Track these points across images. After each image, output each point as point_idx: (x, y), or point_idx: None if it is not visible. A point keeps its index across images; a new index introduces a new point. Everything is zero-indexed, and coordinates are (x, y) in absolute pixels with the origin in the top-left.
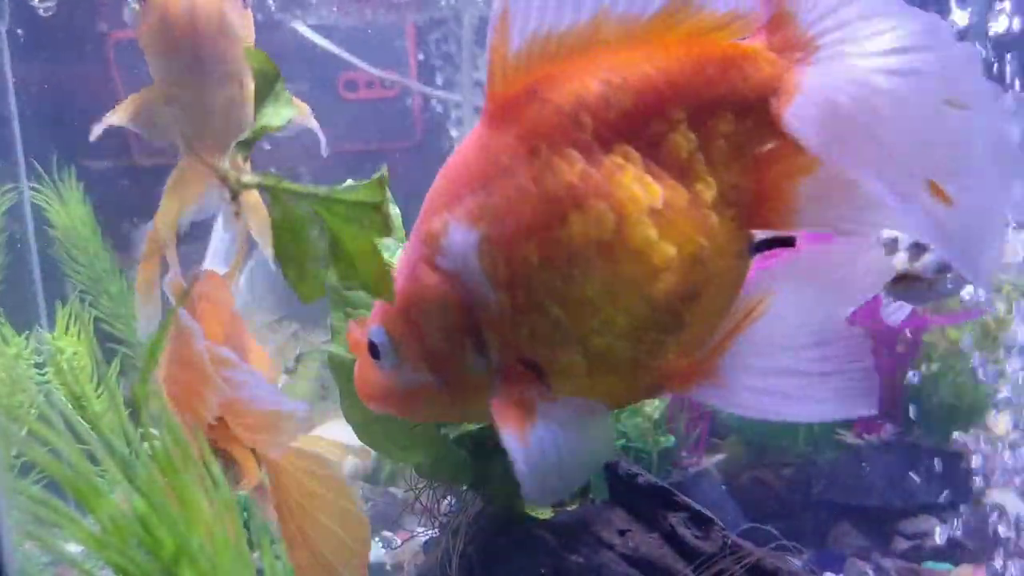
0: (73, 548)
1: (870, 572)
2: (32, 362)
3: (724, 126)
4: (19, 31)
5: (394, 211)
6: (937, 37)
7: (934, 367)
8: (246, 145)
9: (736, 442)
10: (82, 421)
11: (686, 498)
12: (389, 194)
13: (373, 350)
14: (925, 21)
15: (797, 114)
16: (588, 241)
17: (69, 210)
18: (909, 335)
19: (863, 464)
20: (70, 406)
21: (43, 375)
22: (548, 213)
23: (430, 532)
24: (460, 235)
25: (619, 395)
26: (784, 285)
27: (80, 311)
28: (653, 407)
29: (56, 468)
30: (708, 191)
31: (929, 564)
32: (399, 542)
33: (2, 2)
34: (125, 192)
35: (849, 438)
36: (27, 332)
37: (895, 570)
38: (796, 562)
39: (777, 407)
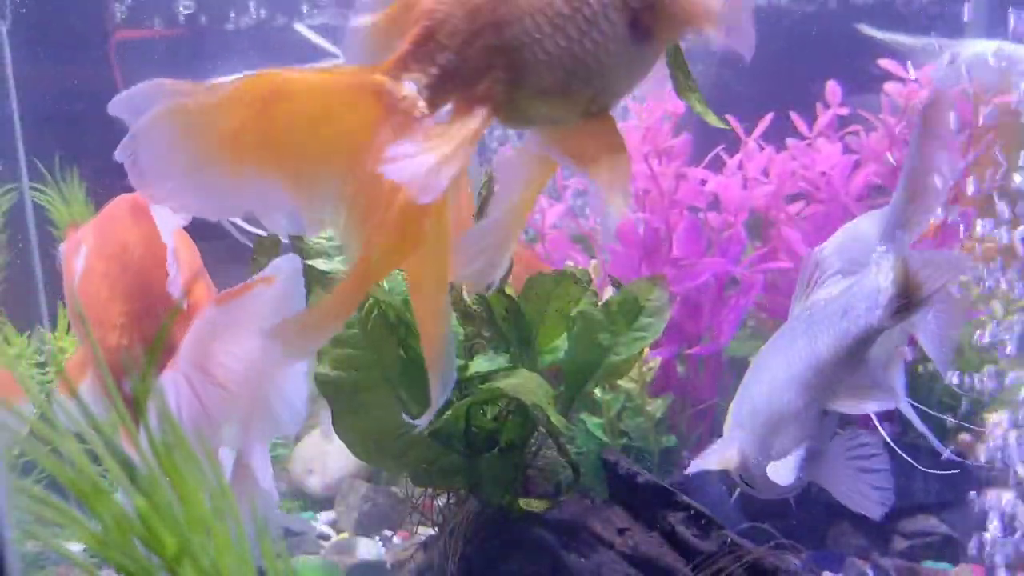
0: (75, 547)
1: (869, 572)
2: (34, 361)
3: None
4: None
5: None
6: None
7: (931, 366)
8: None
9: None
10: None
11: (686, 497)
12: None
13: None
14: None
15: None
16: None
17: (71, 210)
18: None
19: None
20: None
21: (44, 374)
22: None
23: (430, 531)
24: None
25: None
26: None
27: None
28: (656, 407)
29: (58, 467)
30: None
31: (928, 563)
32: (400, 541)
33: (3, 2)
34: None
35: None
36: (29, 332)
37: (894, 569)
38: (795, 561)
39: None
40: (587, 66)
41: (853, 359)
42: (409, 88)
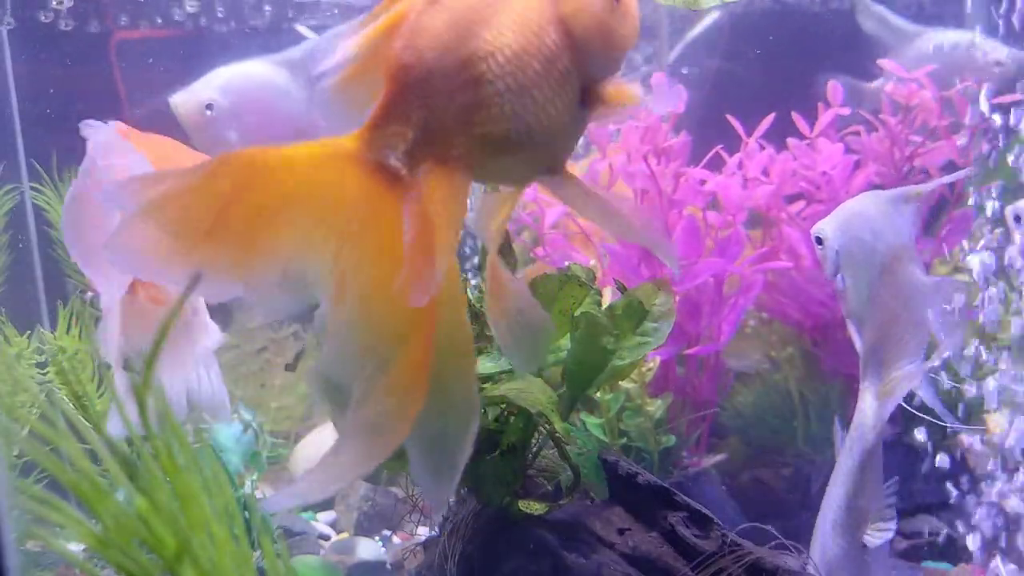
0: (75, 547)
1: None
2: (34, 362)
3: None
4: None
5: None
6: None
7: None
8: None
9: (736, 442)
10: (84, 420)
11: (686, 497)
12: None
13: None
14: None
15: None
16: None
17: None
18: None
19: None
20: (72, 405)
21: (45, 375)
22: None
23: (430, 532)
24: None
25: None
26: None
27: (81, 311)
28: (655, 407)
29: (58, 467)
30: None
31: (928, 563)
32: (400, 541)
33: (3, 2)
34: None
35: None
36: (29, 332)
37: (894, 569)
38: (795, 561)
39: None
40: (552, 129)
41: (865, 475)
42: (389, 155)
